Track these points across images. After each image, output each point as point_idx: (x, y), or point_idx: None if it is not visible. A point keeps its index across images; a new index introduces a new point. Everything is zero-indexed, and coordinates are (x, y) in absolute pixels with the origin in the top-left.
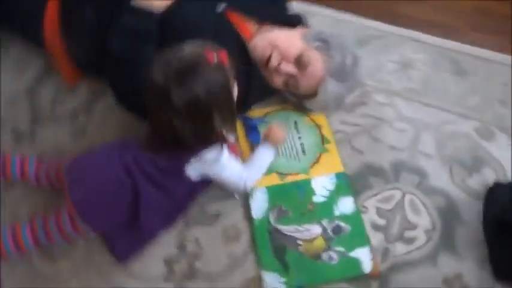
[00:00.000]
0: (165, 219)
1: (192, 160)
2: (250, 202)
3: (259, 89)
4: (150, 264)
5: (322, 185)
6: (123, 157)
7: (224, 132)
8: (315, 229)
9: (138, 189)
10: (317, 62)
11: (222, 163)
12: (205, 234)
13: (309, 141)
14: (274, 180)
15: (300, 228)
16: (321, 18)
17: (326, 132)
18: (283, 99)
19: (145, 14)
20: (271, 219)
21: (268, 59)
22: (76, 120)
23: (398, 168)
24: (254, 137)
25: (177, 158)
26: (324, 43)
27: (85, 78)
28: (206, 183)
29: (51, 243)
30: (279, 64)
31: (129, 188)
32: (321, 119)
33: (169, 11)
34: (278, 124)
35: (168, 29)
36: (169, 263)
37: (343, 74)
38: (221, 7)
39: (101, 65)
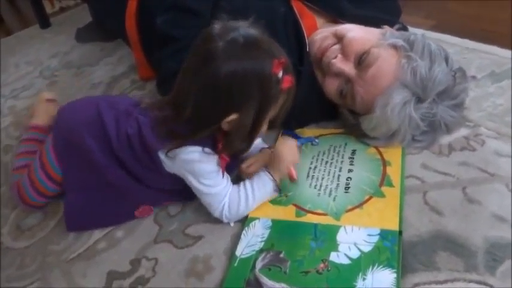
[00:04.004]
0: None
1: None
2: (242, 233)
3: (309, 99)
4: (91, 274)
5: (353, 239)
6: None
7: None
8: None
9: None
10: (386, 63)
11: (199, 167)
12: (168, 258)
13: (361, 177)
14: (288, 214)
15: None
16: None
17: (394, 172)
18: (343, 121)
19: None
20: (258, 265)
21: (325, 51)
22: None
23: (499, 253)
24: None
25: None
26: (409, 42)
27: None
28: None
29: None
30: (334, 58)
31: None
32: (394, 153)
33: None
34: (290, 143)
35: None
36: (111, 278)
37: (426, 88)
38: None
39: None
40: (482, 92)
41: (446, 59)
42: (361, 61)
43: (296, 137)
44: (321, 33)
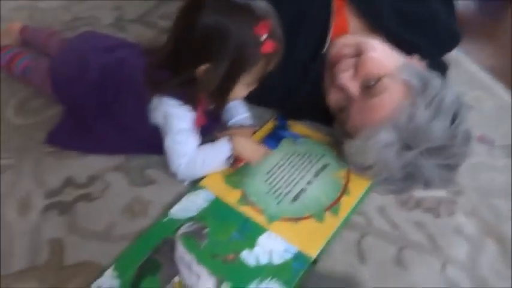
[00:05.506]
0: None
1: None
2: (185, 196)
3: (311, 97)
4: (53, 171)
5: (271, 247)
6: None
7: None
8: (207, 283)
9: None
10: (389, 99)
11: (173, 121)
12: (118, 188)
13: (313, 194)
14: (233, 198)
15: (194, 266)
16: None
17: (347, 203)
18: (333, 133)
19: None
20: (181, 230)
21: (339, 60)
22: None
23: None
24: (270, 144)
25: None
26: (424, 86)
27: None
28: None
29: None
30: (345, 71)
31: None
32: (360, 185)
33: None
34: (263, 149)
35: None
36: (66, 183)
37: (416, 138)
38: None
39: None
40: (487, 162)
41: (455, 117)
42: (368, 86)
43: (282, 128)
44: (345, 40)
